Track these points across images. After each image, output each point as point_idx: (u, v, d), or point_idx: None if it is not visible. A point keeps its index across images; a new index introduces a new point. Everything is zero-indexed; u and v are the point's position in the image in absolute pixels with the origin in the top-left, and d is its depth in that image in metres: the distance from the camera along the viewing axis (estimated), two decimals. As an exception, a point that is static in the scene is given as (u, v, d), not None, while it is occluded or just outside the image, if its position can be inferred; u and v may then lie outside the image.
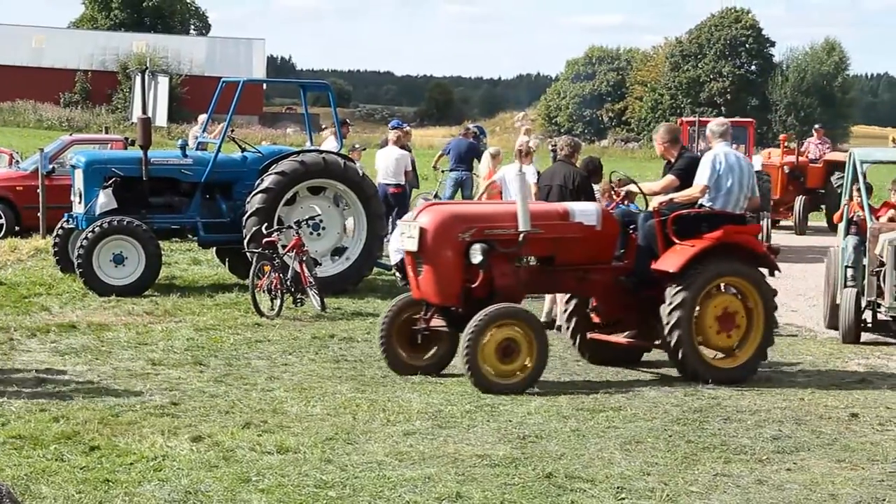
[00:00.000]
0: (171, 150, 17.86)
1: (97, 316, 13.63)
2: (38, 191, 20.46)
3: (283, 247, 14.62)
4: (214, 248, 17.15)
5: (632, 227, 11.43)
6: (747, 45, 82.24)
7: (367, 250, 16.13)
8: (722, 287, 11.24)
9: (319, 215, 16.05)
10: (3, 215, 21.65)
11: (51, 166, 21.18)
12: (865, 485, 7.86)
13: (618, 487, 7.55)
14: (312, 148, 17.09)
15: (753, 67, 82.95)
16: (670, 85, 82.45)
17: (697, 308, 10.90)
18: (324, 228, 16.19)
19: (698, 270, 10.86)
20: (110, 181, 15.81)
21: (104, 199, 15.56)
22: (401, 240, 11.15)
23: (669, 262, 10.91)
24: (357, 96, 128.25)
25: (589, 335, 11.65)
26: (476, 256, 10.55)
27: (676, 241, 11.01)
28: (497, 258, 10.72)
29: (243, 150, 16.89)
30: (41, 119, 67.11)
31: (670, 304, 10.82)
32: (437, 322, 10.94)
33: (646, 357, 12.33)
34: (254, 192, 15.62)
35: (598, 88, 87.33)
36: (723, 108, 77.96)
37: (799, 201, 26.90)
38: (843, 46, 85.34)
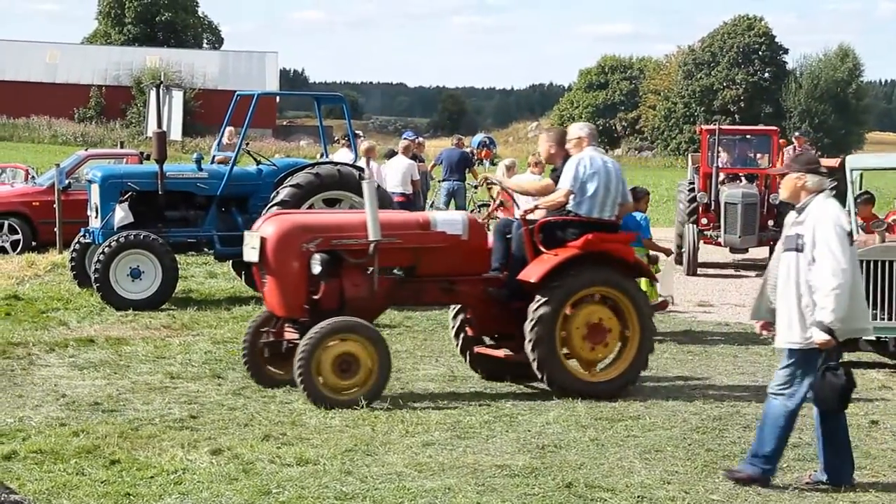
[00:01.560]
0: (186, 164, 17.90)
1: (115, 330, 13.67)
2: (55, 206, 20.54)
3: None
4: (231, 261, 17.18)
5: (508, 236, 10.97)
6: (760, 53, 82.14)
7: (382, 262, 16.11)
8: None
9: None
10: (20, 231, 21.74)
11: (67, 181, 21.26)
12: (887, 491, 7.83)
13: (638, 496, 7.54)
14: (327, 160, 17.12)
15: (767, 75, 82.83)
16: (683, 93, 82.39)
17: (566, 320, 10.45)
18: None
19: (563, 281, 10.40)
20: (126, 195, 15.88)
21: (121, 214, 15.61)
22: (245, 251, 10.72)
23: (531, 272, 10.44)
24: (370, 108, 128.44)
25: (476, 349, 11.19)
26: (315, 267, 10.19)
27: (543, 249, 10.57)
28: (348, 269, 10.40)
29: (258, 162, 16.93)
30: (56, 135, 67.41)
31: (531, 317, 10.37)
32: (290, 334, 10.57)
33: (662, 368, 12.31)
34: (269, 205, 15.62)
35: (611, 98, 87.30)
36: (736, 115, 77.88)
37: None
38: (857, 53, 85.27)
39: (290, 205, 15.57)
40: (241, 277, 17.00)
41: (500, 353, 10.94)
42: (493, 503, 7.28)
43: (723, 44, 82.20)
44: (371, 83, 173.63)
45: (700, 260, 21.26)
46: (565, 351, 10.59)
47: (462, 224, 10.83)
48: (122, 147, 32.98)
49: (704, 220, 21.18)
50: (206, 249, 16.91)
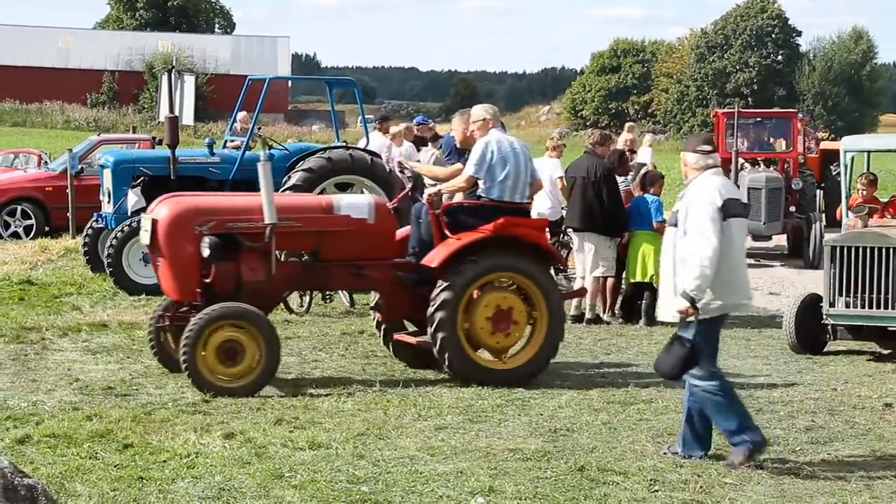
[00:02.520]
0: (198, 149, 17.91)
1: (128, 315, 13.69)
2: (68, 191, 20.59)
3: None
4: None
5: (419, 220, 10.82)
6: (773, 35, 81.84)
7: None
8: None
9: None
10: (33, 216, 21.81)
11: (79, 166, 21.31)
12: (900, 475, 7.81)
13: (651, 480, 7.53)
14: (339, 144, 17.11)
15: (780, 57, 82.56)
16: (696, 76, 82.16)
17: (471, 305, 10.25)
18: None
19: (466, 265, 10.19)
20: (139, 180, 15.89)
21: (134, 199, 15.63)
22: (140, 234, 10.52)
23: (433, 256, 10.29)
24: (382, 92, 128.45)
25: (395, 337, 10.95)
26: (204, 250, 9.96)
27: (449, 234, 10.36)
28: (245, 253, 10.19)
29: (270, 147, 16.92)
30: (69, 120, 67.56)
31: (433, 302, 10.17)
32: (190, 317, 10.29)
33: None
34: (281, 189, 15.63)
35: (623, 81, 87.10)
36: (749, 98, 77.66)
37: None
38: (871, 35, 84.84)
39: (302, 189, 15.58)
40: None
41: (414, 340, 10.70)
42: (505, 487, 7.28)
43: (736, 26, 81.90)
44: (383, 67, 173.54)
45: None
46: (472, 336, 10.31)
47: (368, 208, 10.59)
48: (134, 132, 33.03)
49: None
50: (218, 234, 16.89)
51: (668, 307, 8.00)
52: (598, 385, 10.33)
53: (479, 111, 10.78)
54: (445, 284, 10.17)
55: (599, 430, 8.76)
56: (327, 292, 14.09)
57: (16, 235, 21.56)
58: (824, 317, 11.92)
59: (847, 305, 11.74)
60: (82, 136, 38.33)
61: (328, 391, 9.87)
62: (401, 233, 10.94)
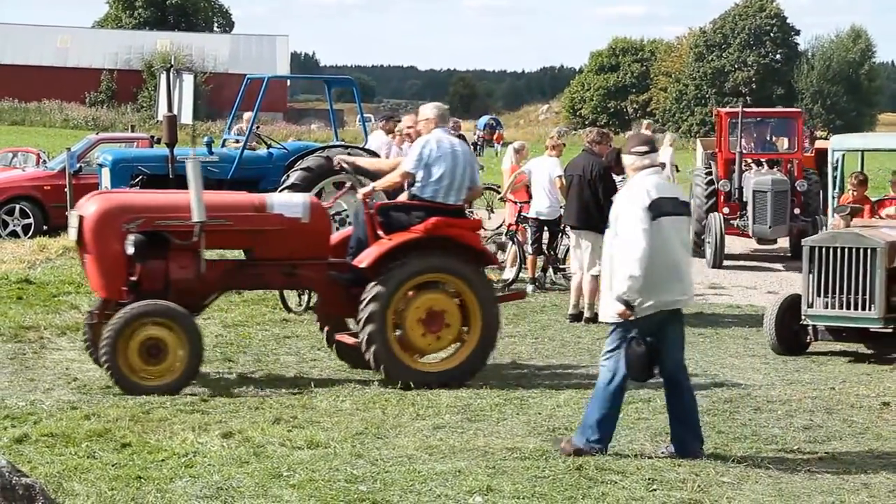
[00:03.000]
0: (197, 148, 17.91)
1: (126, 314, 13.66)
2: (66, 190, 20.57)
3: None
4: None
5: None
6: (772, 34, 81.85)
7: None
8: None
9: (346, 210, 16.06)
10: (31, 214, 21.79)
11: (78, 165, 21.30)
12: (898, 474, 7.81)
13: (649, 479, 7.53)
14: (338, 143, 17.12)
15: (778, 56, 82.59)
16: (695, 75, 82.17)
17: (403, 306, 10.14)
18: (350, 224, 16.18)
19: (397, 266, 10.08)
20: (137, 179, 15.90)
21: None
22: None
23: (364, 256, 10.20)
24: (381, 91, 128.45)
25: (336, 337, 10.84)
26: (129, 248, 9.87)
27: (382, 233, 10.27)
28: (174, 251, 10.10)
29: (269, 146, 16.94)
30: (67, 119, 67.55)
31: (362, 302, 10.05)
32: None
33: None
34: (280, 189, 15.65)
35: (622, 80, 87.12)
36: (748, 97, 77.67)
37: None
38: (869, 33, 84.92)
39: (300, 188, 15.58)
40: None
41: (352, 340, 10.53)
42: (503, 486, 7.28)
43: (734, 25, 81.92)
44: (382, 66, 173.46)
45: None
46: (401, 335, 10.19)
47: (302, 207, 10.46)
48: (132, 131, 33.02)
49: (726, 210, 19.75)
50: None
51: (608, 309, 8.04)
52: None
53: (426, 110, 10.70)
54: (376, 284, 10.04)
55: (598, 429, 8.75)
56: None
57: (14, 234, 21.55)
58: (803, 317, 11.88)
59: (826, 306, 11.71)
60: (81, 134, 38.32)
61: (326, 390, 9.87)
62: (345, 232, 10.87)
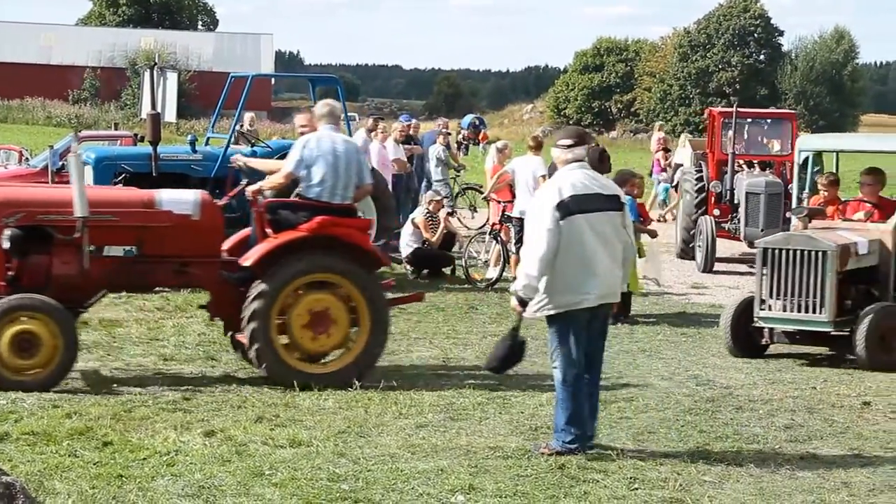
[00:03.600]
0: (180, 146, 17.87)
1: (108, 312, 13.63)
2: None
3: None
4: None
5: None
6: (756, 35, 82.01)
7: (376, 244, 16.09)
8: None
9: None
10: (13, 213, 21.67)
11: (60, 163, 21.19)
12: (878, 473, 7.85)
13: (631, 478, 7.55)
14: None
15: (762, 57, 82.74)
16: (679, 75, 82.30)
17: (289, 305, 10.01)
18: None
19: (282, 265, 9.96)
20: (120, 177, 15.84)
21: None
22: None
23: (250, 255, 10.08)
24: (366, 90, 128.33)
25: (235, 336, 10.53)
26: (4, 242, 9.71)
27: (270, 232, 10.12)
28: (57, 246, 9.92)
29: (253, 144, 16.90)
30: (50, 116, 67.25)
31: (247, 301, 9.93)
32: None
33: (655, 350, 12.34)
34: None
35: (606, 80, 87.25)
36: (732, 97, 77.77)
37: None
38: (853, 34, 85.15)
39: (284, 186, 15.54)
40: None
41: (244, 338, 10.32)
42: (485, 485, 7.30)
43: (718, 26, 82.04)
44: (367, 65, 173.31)
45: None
46: (286, 339, 10.08)
47: (192, 203, 10.30)
48: (116, 129, 32.93)
49: (717, 212, 19.20)
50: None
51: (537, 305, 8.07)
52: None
53: (316, 108, 10.58)
54: (261, 283, 9.92)
55: (580, 429, 8.76)
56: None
57: (-4, 232, 21.42)
58: (755, 319, 11.80)
59: (777, 309, 11.63)
60: (64, 132, 38.21)
61: (309, 389, 9.85)
62: (245, 232, 10.72)
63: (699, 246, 18.88)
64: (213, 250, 10.38)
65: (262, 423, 8.67)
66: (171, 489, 7.07)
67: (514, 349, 8.15)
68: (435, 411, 9.20)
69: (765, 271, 11.68)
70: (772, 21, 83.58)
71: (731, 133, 19.49)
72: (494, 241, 16.63)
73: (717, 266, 19.02)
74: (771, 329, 11.83)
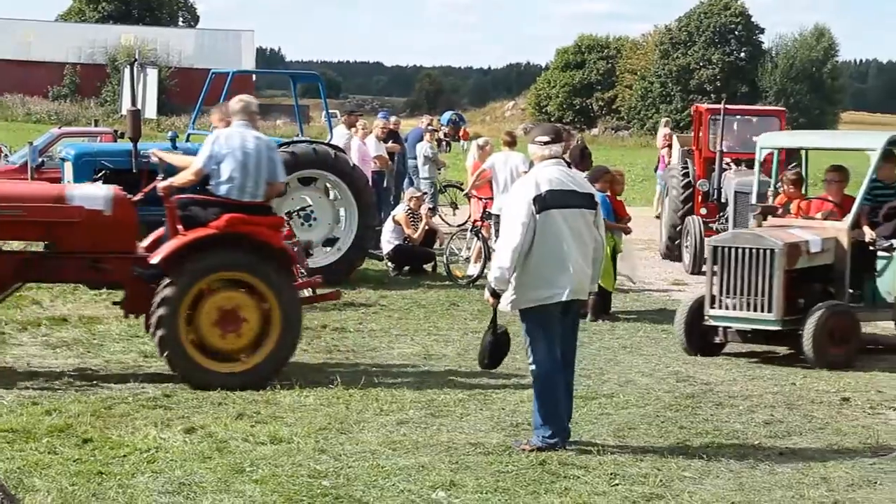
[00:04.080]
0: (161, 143, 17.82)
1: (88, 309, 13.60)
2: (28, 184, 20.40)
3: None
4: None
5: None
6: (736, 33, 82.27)
7: (358, 241, 16.10)
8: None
9: (310, 206, 16.03)
10: (-8, 209, 21.57)
11: (40, 159, 21.13)
12: (857, 468, 7.89)
13: (611, 474, 7.57)
14: (303, 139, 17.08)
15: (743, 54, 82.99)
16: (660, 73, 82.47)
17: (198, 304, 9.84)
18: (315, 219, 16.17)
19: (191, 262, 9.81)
20: (100, 174, 15.78)
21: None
22: None
23: (158, 252, 9.94)
24: (347, 87, 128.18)
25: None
26: None
27: (180, 228, 9.96)
28: None
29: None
30: (30, 112, 67.00)
31: (155, 299, 9.77)
32: None
33: (636, 346, 12.37)
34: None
35: (587, 77, 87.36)
36: (712, 95, 77.94)
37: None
38: (832, 32, 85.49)
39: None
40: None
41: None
42: (466, 481, 7.30)
43: (699, 23, 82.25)
44: (348, 62, 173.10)
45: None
46: (193, 337, 9.89)
47: (104, 199, 10.14)
48: (96, 125, 32.81)
49: (704, 211, 18.55)
50: (180, 228, 16.79)
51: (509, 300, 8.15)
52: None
53: (230, 104, 10.49)
54: (169, 281, 9.77)
55: (561, 425, 8.78)
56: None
57: (-25, 229, 21.33)
58: (706, 318, 11.71)
59: (727, 307, 11.56)
60: (43, 128, 38.02)
61: (290, 386, 9.84)
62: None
63: (687, 247, 18.47)
64: (127, 246, 10.24)
65: (243, 420, 8.66)
66: (152, 486, 7.06)
67: (497, 342, 8.18)
68: (416, 408, 9.21)
69: (715, 269, 11.61)
70: (752, 19, 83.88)
71: (718, 130, 19.09)
72: (475, 238, 16.63)
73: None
74: (725, 328, 11.73)
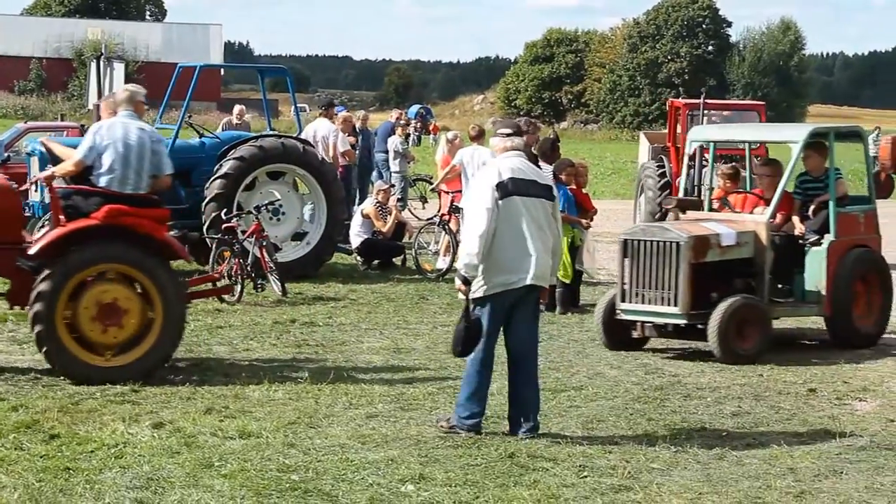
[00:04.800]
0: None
1: (56, 304, 13.51)
2: (-6, 179, 20.23)
3: (243, 232, 14.57)
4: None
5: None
6: (704, 26, 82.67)
7: (327, 235, 16.07)
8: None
9: (279, 200, 15.99)
10: (-42, 205, 21.40)
11: (6, 154, 20.96)
12: (823, 458, 7.95)
13: (580, 466, 7.60)
14: (271, 133, 17.03)
15: (710, 48, 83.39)
16: (628, 66, 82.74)
17: (76, 296, 9.62)
18: (284, 213, 16.13)
19: (70, 254, 9.61)
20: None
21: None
22: None
23: (36, 243, 9.78)
24: (316, 81, 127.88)
25: None
26: None
27: (62, 218, 9.71)
28: None
29: (201, 135, 16.80)
30: (-5, 107, 66.53)
31: (33, 291, 9.57)
32: None
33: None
34: (213, 178, 15.53)
35: (556, 71, 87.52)
36: (681, 88, 78.33)
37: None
38: (799, 26, 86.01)
39: (233, 178, 15.48)
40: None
41: None
42: (435, 474, 7.31)
43: (667, 17, 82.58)
44: (317, 56, 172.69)
45: None
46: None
47: None
48: (62, 120, 32.60)
49: None
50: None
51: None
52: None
53: (116, 94, 10.31)
54: (47, 273, 9.56)
55: (530, 417, 8.81)
56: (259, 280, 14.07)
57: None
58: (617, 312, 11.57)
59: (637, 300, 11.42)
60: (9, 123, 37.76)
61: (259, 380, 9.82)
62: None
63: None
64: (11, 237, 10.05)
65: (212, 415, 8.64)
66: (120, 481, 7.03)
67: (469, 329, 8.22)
68: (385, 402, 9.21)
69: (626, 263, 11.51)
70: (720, 12, 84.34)
71: (699, 125, 17.80)
72: (444, 232, 16.63)
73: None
74: (642, 321, 11.55)
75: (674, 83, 79.49)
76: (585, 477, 7.39)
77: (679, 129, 19.05)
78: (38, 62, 77.17)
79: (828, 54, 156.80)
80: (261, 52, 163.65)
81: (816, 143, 12.30)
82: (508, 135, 8.42)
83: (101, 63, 17.41)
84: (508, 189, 8.09)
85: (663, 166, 19.07)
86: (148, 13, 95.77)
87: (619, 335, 11.68)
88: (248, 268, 14.00)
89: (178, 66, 17.47)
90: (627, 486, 7.24)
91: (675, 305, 11.20)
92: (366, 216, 16.99)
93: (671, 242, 11.24)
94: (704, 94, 19.28)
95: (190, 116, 17.84)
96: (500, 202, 8.05)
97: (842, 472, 7.66)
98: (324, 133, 18.43)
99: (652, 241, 11.33)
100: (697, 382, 10.23)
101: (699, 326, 11.24)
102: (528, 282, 8.12)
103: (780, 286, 11.96)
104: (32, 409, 8.66)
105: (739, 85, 79.96)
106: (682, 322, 11.28)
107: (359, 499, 6.89)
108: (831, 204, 11.96)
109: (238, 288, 13.85)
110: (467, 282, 8.09)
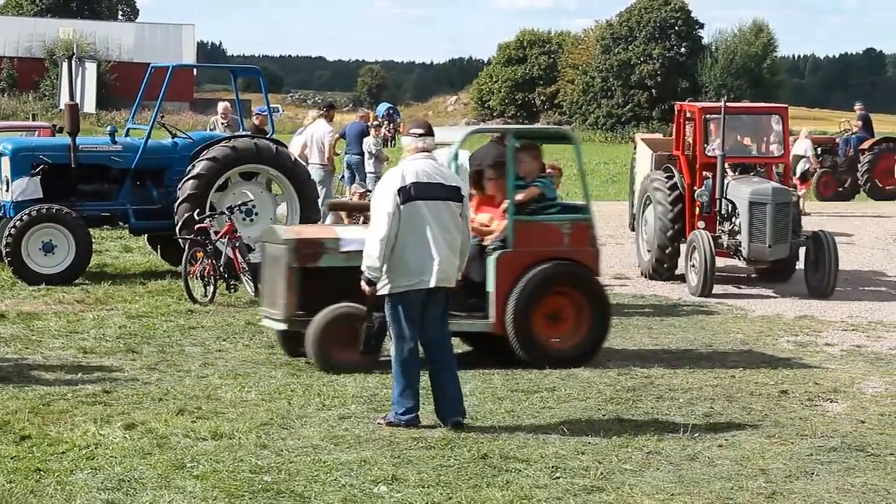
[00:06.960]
0: (100, 137, 17.65)
1: (27, 305, 13.46)
2: (-36, 179, 20.09)
3: (216, 233, 14.53)
4: (146, 235, 16.98)
5: None
6: (677, 28, 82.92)
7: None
8: None
9: (252, 201, 15.95)
10: (-72, 204, 21.24)
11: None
12: (795, 459, 7.99)
13: (552, 467, 7.61)
14: (244, 133, 17.00)
15: (683, 50, 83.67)
16: (601, 68, 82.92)
17: None
18: (256, 214, 16.10)
19: None
20: (38, 168, 15.61)
21: (21, 187, 15.34)
22: None
23: None
24: (289, 82, 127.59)
25: None
26: None
27: None
28: None
29: (174, 135, 16.75)
30: (-34, 107, 66.05)
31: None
32: None
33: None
34: (185, 179, 15.48)
35: (529, 72, 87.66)
36: (653, 90, 78.64)
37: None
38: (771, 28, 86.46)
39: (205, 178, 15.44)
40: (156, 252, 16.82)
41: None
42: (408, 475, 7.31)
43: (640, 18, 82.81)
44: (290, 56, 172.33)
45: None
46: None
47: None
48: (34, 120, 32.41)
49: (701, 224, 15.99)
50: (120, 223, 16.69)
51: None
52: (502, 374, 10.39)
53: None
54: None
55: (503, 418, 8.83)
56: (232, 281, 14.04)
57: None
58: (261, 318, 11.16)
59: (266, 306, 11.03)
60: (-20, 123, 37.54)
61: (231, 381, 9.80)
62: None
63: (693, 266, 15.62)
64: None
65: (184, 416, 8.61)
66: (91, 483, 7.00)
67: (370, 328, 8.54)
68: (358, 402, 9.20)
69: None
70: (692, 14, 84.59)
71: (719, 132, 16.22)
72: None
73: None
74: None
75: (646, 85, 79.74)
76: (558, 478, 7.41)
77: (689, 136, 16.96)
78: (10, 61, 76.71)
79: (799, 56, 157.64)
80: (234, 53, 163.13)
81: (528, 146, 11.54)
82: (420, 135, 8.53)
83: (73, 63, 17.28)
84: (411, 194, 8.27)
85: (672, 177, 16.75)
86: (120, 13, 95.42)
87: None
88: (221, 268, 13.96)
89: (150, 66, 17.42)
90: (600, 486, 7.26)
91: (278, 310, 10.66)
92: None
93: (280, 246, 10.76)
94: (726, 99, 16.90)
95: (162, 117, 17.79)
96: (401, 207, 8.22)
97: (813, 473, 7.70)
98: (319, 134, 18.81)
99: (266, 245, 11.14)
100: (670, 384, 10.26)
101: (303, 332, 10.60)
102: (432, 284, 8.34)
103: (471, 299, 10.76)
104: (3, 409, 8.62)
105: (712, 87, 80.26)
106: (285, 328, 10.72)
107: (331, 500, 6.88)
108: (509, 211, 10.91)
109: (211, 289, 13.81)
110: (371, 283, 8.31)
